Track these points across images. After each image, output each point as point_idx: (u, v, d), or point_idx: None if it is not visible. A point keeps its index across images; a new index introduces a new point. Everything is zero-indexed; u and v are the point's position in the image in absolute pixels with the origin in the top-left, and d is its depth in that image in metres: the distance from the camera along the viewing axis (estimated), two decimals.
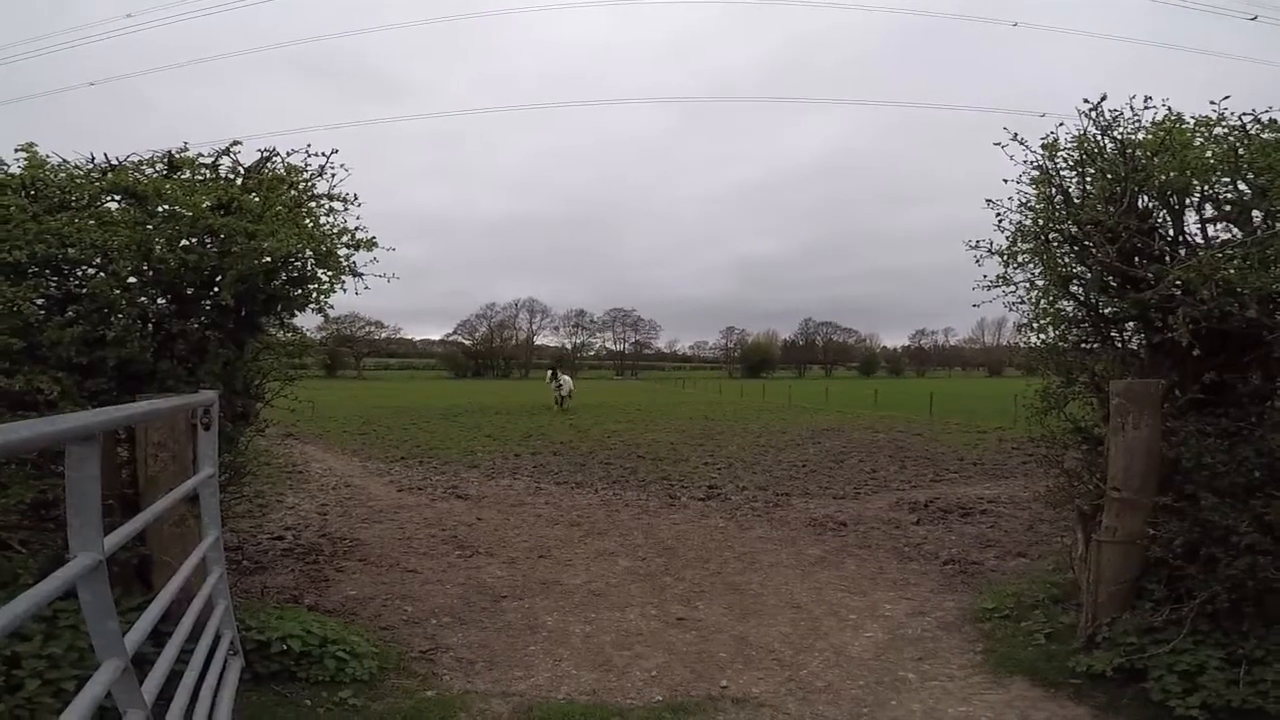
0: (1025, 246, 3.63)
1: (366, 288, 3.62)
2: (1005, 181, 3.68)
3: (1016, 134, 3.61)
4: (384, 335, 65.74)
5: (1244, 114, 3.32)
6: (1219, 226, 3.34)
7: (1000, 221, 3.71)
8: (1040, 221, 3.59)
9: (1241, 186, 3.24)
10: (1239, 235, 3.22)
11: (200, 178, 3.42)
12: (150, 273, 3.05)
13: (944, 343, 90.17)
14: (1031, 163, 3.64)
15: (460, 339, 68.24)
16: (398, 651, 3.48)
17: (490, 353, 65.97)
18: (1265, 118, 3.36)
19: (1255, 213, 3.20)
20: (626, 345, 74.82)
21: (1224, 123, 3.35)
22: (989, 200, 3.72)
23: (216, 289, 3.16)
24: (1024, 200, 3.67)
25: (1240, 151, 3.19)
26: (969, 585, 4.57)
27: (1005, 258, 3.68)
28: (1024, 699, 3.07)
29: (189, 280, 3.13)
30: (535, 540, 5.69)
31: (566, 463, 9.90)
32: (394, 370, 59.73)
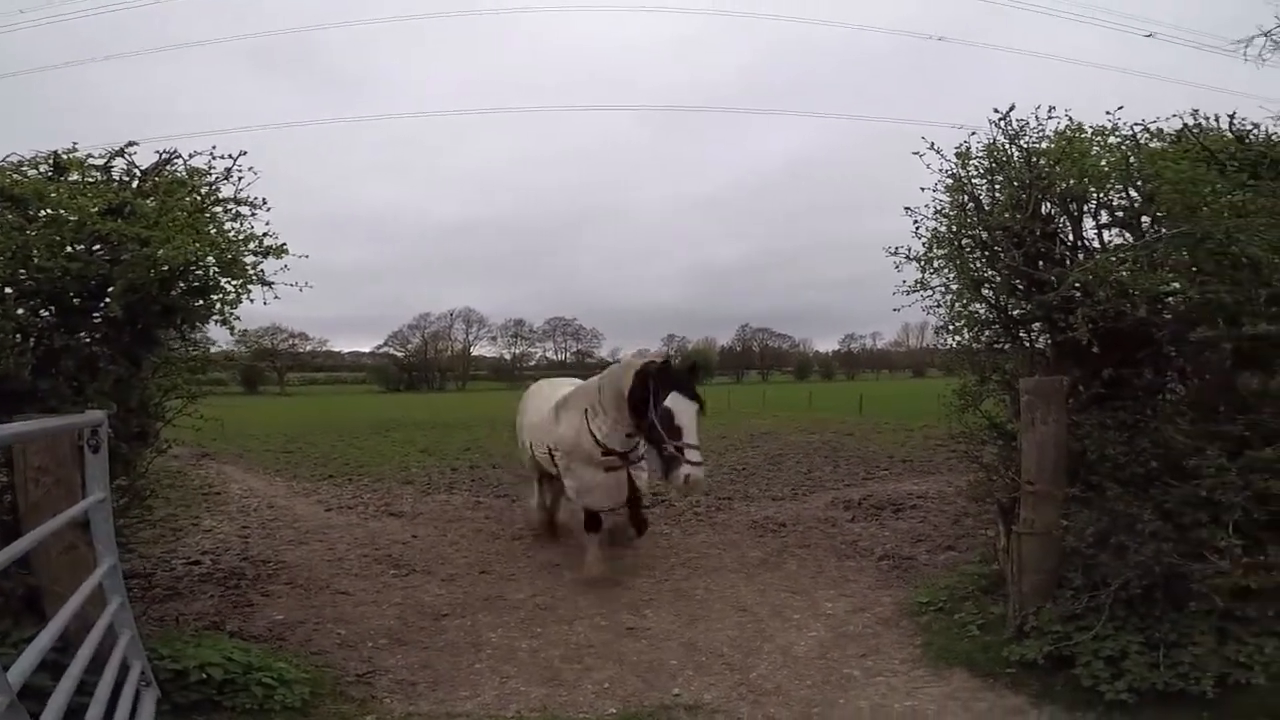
0: (940, 252, 3.80)
1: (276, 298, 3.45)
2: (922, 190, 3.86)
3: (933, 143, 3.78)
4: (309, 348, 63.11)
5: (1135, 124, 3.59)
6: (1113, 231, 3.57)
7: (918, 228, 3.88)
8: (954, 228, 3.77)
9: (1132, 193, 3.48)
10: (1130, 240, 3.46)
11: (90, 180, 3.20)
12: (29, 282, 2.82)
13: (872, 346, 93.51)
14: (946, 171, 3.81)
15: (392, 351, 66.27)
16: (332, 676, 3.35)
17: (424, 365, 64.30)
18: (1154, 127, 3.62)
19: (1144, 218, 3.45)
20: (568, 355, 74.37)
21: (1118, 132, 3.59)
22: (907, 208, 3.89)
23: (107, 300, 2.96)
24: (939, 208, 3.85)
25: (1131, 160, 3.43)
26: (904, 580, 4.72)
27: (922, 263, 3.83)
28: (965, 690, 3.16)
29: (74, 290, 2.92)
30: (476, 556, 5.57)
31: (508, 475, 9.68)
32: (321, 385, 57.21)
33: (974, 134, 3.77)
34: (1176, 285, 3.22)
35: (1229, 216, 3.12)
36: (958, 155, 3.77)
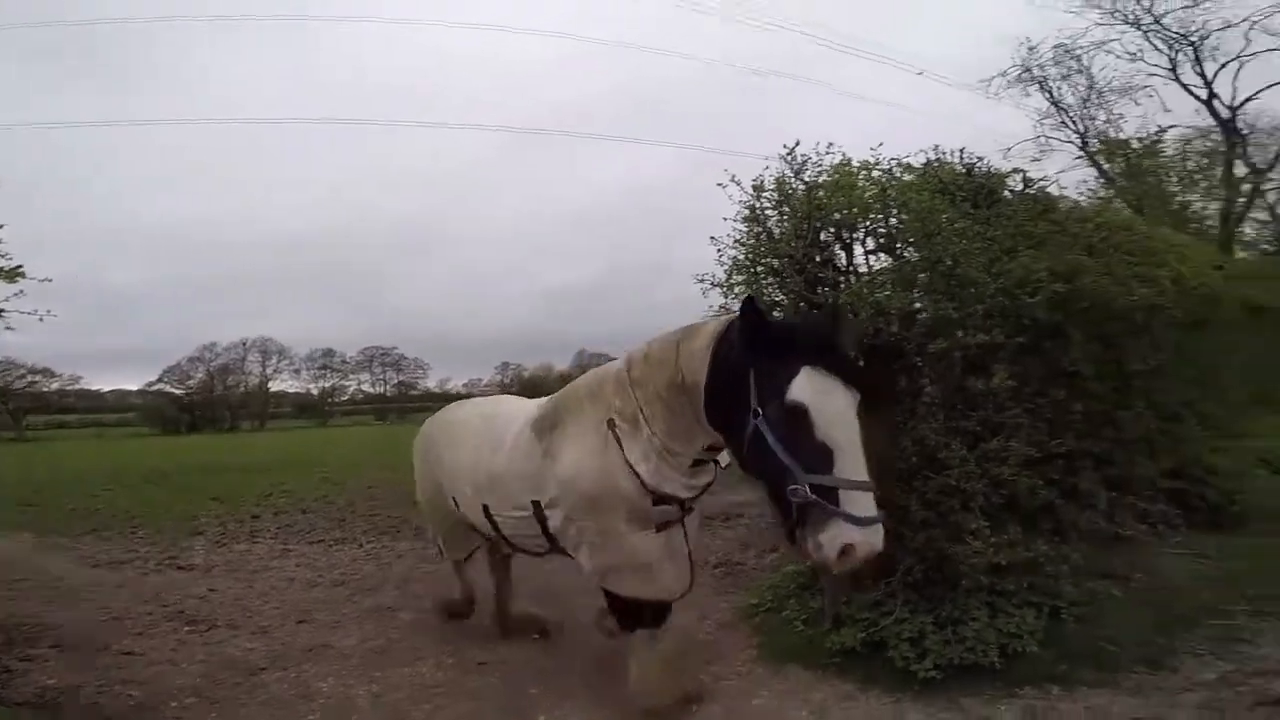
0: (740, 279, 4.22)
1: (9, 328, 3.16)
2: (725, 219, 4.27)
3: (734, 176, 4.23)
4: (55, 386, 53.23)
5: (892, 159, 4.26)
6: (878, 257, 4.18)
7: (720, 256, 4.29)
8: (751, 256, 4.22)
9: (891, 221, 4.10)
10: (890, 264, 4.09)
11: None
12: None
13: None
14: (744, 202, 4.25)
15: (168, 388, 57.97)
16: None
17: (211, 403, 57.09)
18: (906, 161, 4.31)
19: (899, 244, 4.11)
20: (387, 388, 69.54)
21: (879, 166, 4.22)
22: (712, 237, 4.31)
23: None
24: (738, 237, 4.29)
25: (890, 192, 4.06)
26: (736, 585, 5.10)
27: (725, 289, 4.24)
28: (801, 682, 3.50)
29: None
30: (291, 605, 5.31)
31: (321, 519, 9.18)
32: (74, 429, 48.29)
33: (767, 168, 4.28)
34: (922, 304, 3.93)
35: (957, 242, 3.86)
36: (754, 188, 4.25)
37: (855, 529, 2.19)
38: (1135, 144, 17.83)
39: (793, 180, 4.25)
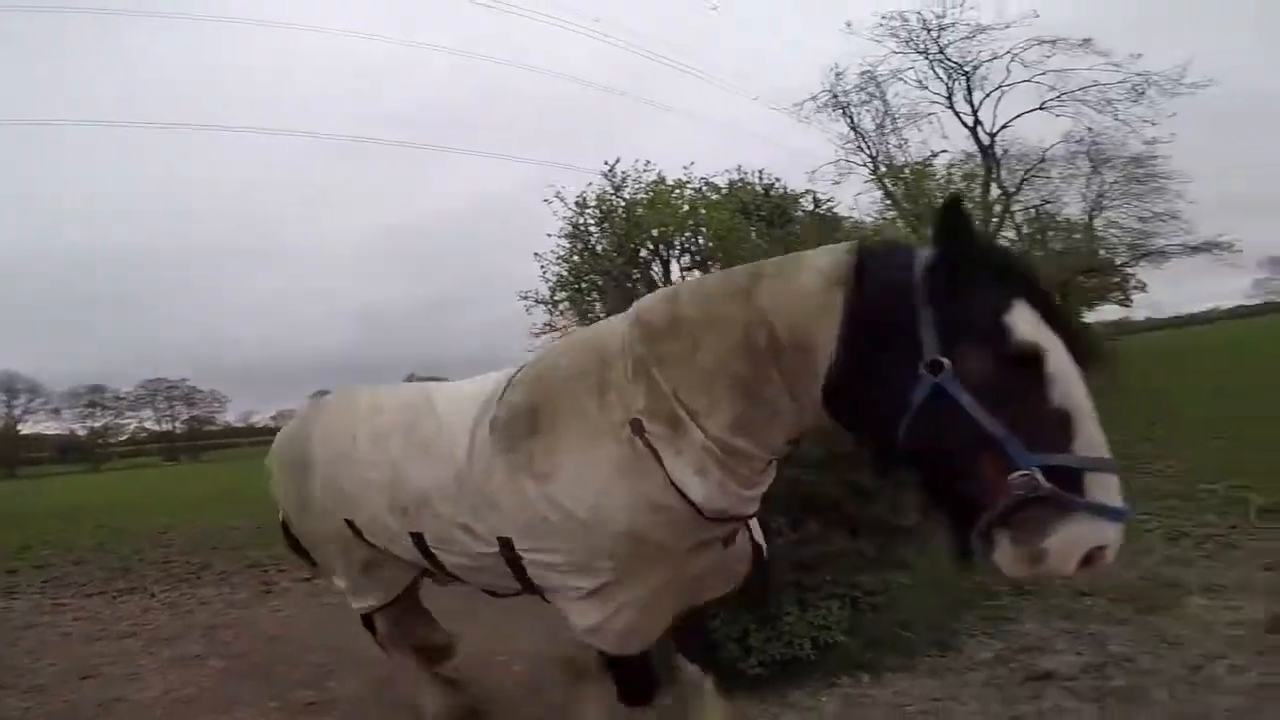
0: (564, 295, 4.44)
1: None
2: (549, 235, 4.53)
3: (559, 192, 4.50)
4: None
5: (701, 178, 4.76)
6: (692, 272, 4.75)
7: (545, 272, 4.53)
8: (574, 272, 4.51)
9: (701, 240, 4.66)
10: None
11: None
12: None
13: None
14: (568, 219, 4.53)
15: None
16: None
17: None
18: (714, 181, 4.87)
19: (710, 260, 4.71)
20: (177, 424, 61.01)
21: (690, 185, 4.72)
22: (536, 254, 4.54)
23: None
24: (562, 253, 4.55)
25: (702, 211, 4.57)
26: None
27: (550, 306, 4.45)
28: None
29: None
30: (71, 661, 4.78)
31: (100, 569, 8.23)
32: None
33: (590, 184, 4.60)
34: None
35: (752, 259, 4.39)
36: (577, 204, 4.54)
37: (1110, 525, 1.51)
38: (913, 167, 20.73)
39: (613, 196, 4.54)
